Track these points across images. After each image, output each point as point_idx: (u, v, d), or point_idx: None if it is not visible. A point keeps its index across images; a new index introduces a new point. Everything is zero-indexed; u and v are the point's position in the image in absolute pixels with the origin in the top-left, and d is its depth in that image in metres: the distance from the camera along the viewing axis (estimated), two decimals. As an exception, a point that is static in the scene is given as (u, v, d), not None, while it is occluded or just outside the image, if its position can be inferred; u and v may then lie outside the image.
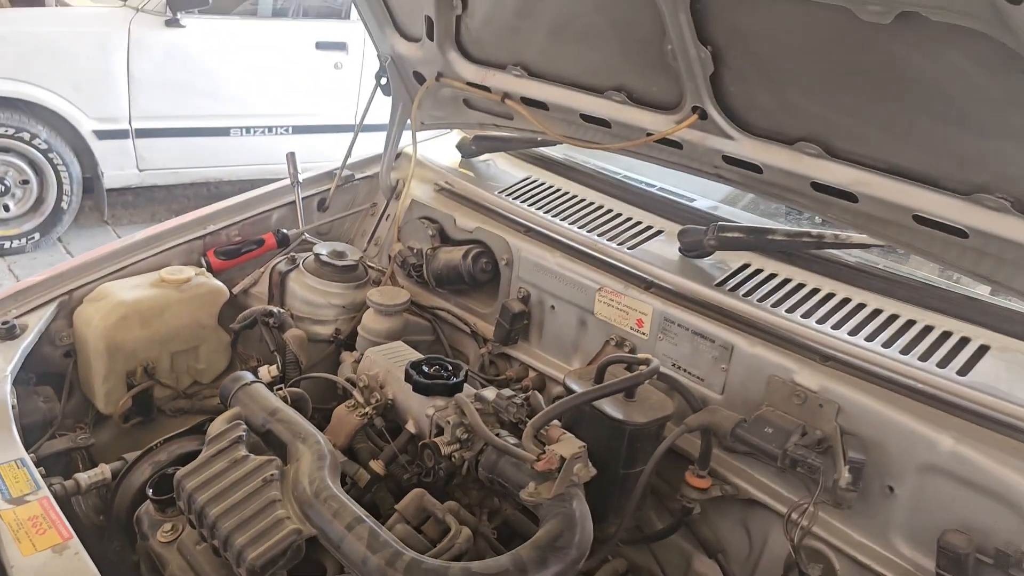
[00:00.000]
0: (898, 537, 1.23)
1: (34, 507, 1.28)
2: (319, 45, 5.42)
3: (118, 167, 4.97)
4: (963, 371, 1.23)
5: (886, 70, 1.10)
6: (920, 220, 1.20)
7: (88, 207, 5.20)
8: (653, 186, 1.84)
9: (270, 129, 5.43)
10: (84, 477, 1.48)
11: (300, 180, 2.04)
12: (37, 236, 4.87)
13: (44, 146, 4.68)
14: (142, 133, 4.99)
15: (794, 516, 1.25)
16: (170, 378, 1.80)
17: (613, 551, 1.43)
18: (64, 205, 4.87)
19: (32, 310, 1.68)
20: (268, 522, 1.18)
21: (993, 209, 1.11)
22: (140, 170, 5.09)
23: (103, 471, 1.50)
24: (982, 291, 1.38)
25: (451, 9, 1.71)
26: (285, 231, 1.97)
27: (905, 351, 1.28)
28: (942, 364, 1.25)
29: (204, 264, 1.88)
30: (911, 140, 1.16)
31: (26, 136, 4.60)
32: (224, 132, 5.26)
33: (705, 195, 1.83)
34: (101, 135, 4.87)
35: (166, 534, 1.35)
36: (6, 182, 4.68)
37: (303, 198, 2.03)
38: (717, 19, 1.25)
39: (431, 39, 1.80)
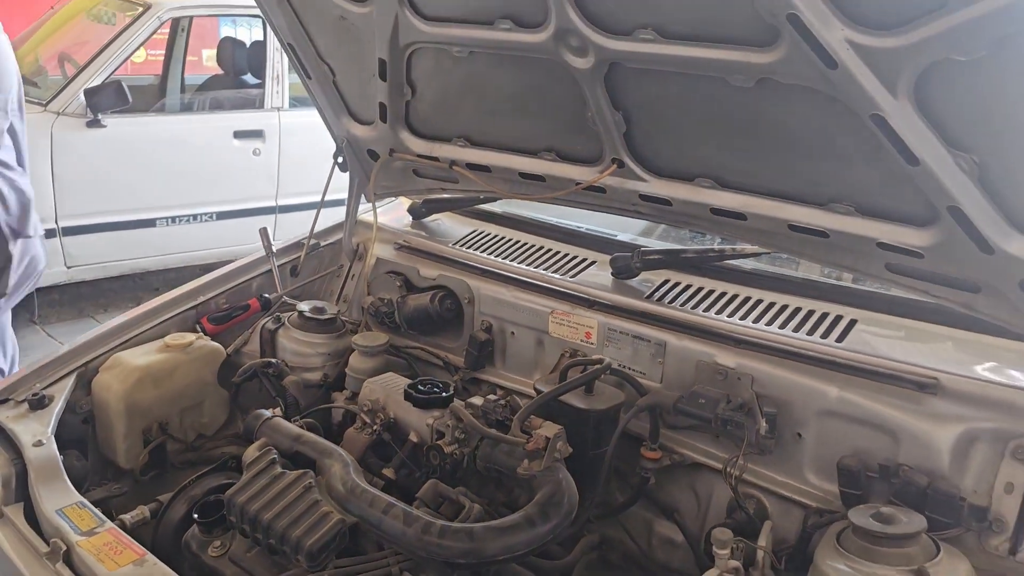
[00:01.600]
0: (810, 472, 1.59)
1: (105, 536, 1.50)
2: (237, 134, 5.68)
3: (46, 266, 5.06)
4: (840, 339, 1.61)
5: (755, 120, 1.50)
6: (793, 228, 1.59)
7: (15, 308, 5.23)
8: (581, 227, 2.21)
9: (195, 217, 5.62)
10: (127, 517, 1.69)
11: (274, 251, 2.31)
12: (-33, 340, 4.86)
13: (-28, 250, 4.72)
14: (69, 231, 5.11)
15: (729, 468, 1.59)
16: (180, 433, 2.02)
17: (587, 527, 1.74)
18: (-8, 307, 4.89)
19: (55, 382, 1.89)
20: (316, 516, 1.45)
21: (843, 214, 1.51)
22: (68, 267, 5.19)
23: (142, 511, 1.72)
24: (847, 280, 1.79)
25: (402, 96, 2.05)
26: (267, 295, 2.24)
27: (796, 329, 1.66)
28: (824, 336, 1.63)
29: (199, 330, 2.13)
30: (779, 169, 1.55)
31: (-46, 239, 4.65)
32: (150, 223, 5.43)
33: (625, 231, 2.21)
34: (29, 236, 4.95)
35: (216, 549, 1.59)
36: (-70, 285, 4.70)
37: (277, 266, 2.31)
38: (626, 90, 1.63)
39: (384, 121, 2.13)
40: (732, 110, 1.51)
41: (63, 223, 5.03)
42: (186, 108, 5.66)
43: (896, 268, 1.53)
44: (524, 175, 1.98)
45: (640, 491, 1.74)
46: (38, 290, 5.11)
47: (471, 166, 2.07)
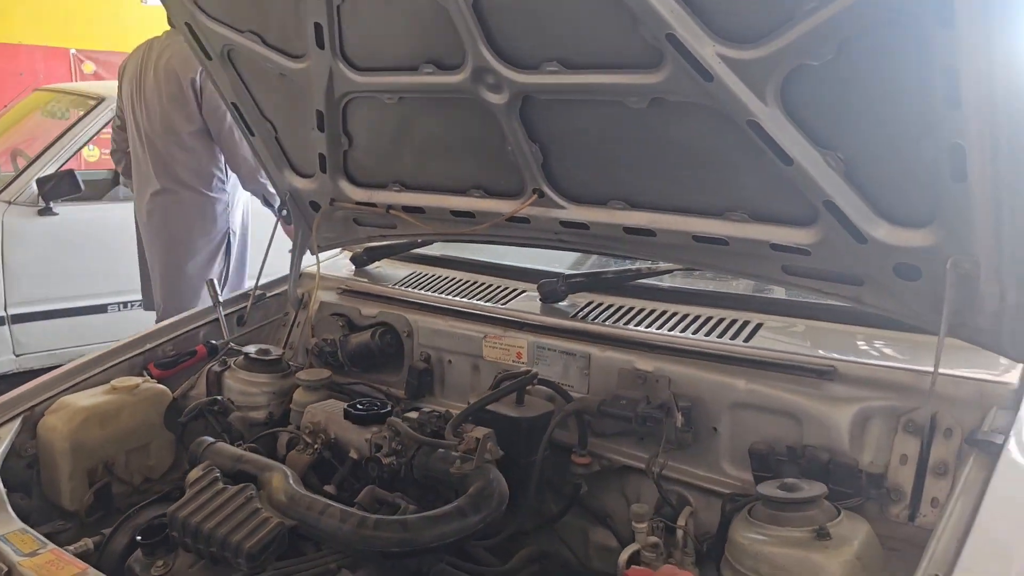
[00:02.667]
0: (727, 463, 1.69)
1: (47, 555, 1.53)
2: (189, 220, 5.75)
3: (-10, 356, 5.03)
4: (747, 339, 1.75)
5: (653, 139, 1.66)
6: (697, 239, 1.74)
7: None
8: (513, 264, 2.34)
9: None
10: (71, 548, 1.71)
11: (220, 300, 2.40)
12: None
13: (-81, 340, 4.69)
14: (18, 319, 5.10)
15: (651, 465, 1.68)
16: (126, 475, 2.05)
17: (525, 539, 1.80)
18: (-61, 397, 4.82)
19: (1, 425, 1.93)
20: (256, 521, 1.50)
21: (738, 221, 1.66)
22: (16, 355, 5.16)
23: (85, 543, 1.74)
24: (750, 289, 1.94)
25: (339, 146, 2.19)
26: (214, 341, 2.32)
27: (708, 334, 1.79)
28: (733, 337, 1.76)
29: (147, 375, 2.18)
30: (679, 184, 1.71)
31: (-99, 331, 4.62)
32: (102, 309, 5.44)
33: (558, 264, 2.34)
34: (-24, 325, 4.94)
35: (159, 568, 1.62)
36: None
37: (224, 315, 2.39)
38: (540, 121, 1.78)
39: (324, 172, 2.26)
40: (633, 132, 1.67)
41: (12, 311, 5.03)
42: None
43: (791, 270, 1.68)
44: (455, 212, 2.11)
45: (573, 499, 1.81)
46: (-15, 379, 5.07)
47: (407, 209, 2.20)
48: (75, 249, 5.25)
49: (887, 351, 1.66)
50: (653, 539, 1.45)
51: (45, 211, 5.09)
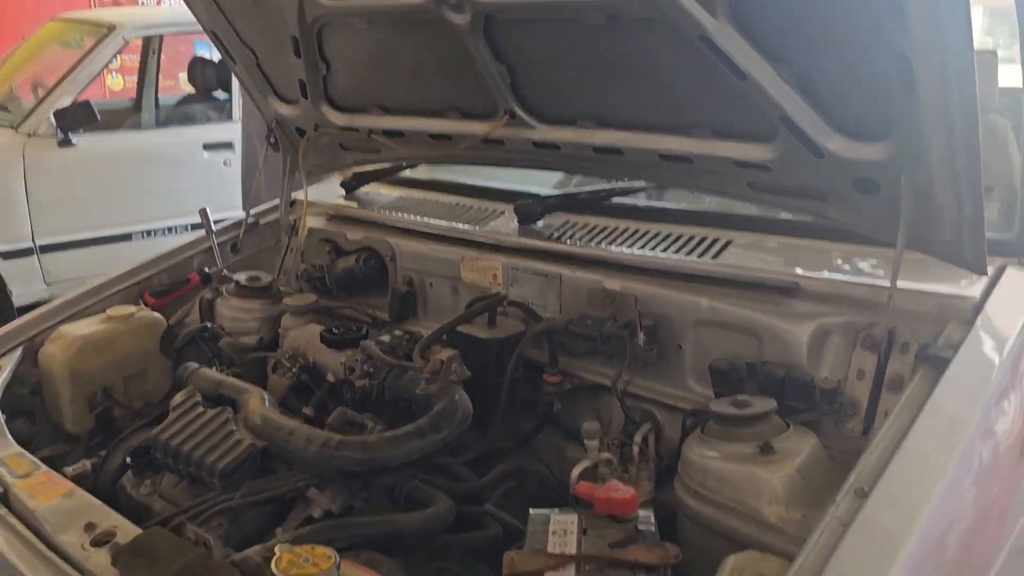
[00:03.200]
0: (691, 380, 1.71)
1: (39, 477, 1.62)
2: (207, 147, 5.82)
3: (25, 284, 5.20)
4: (715, 257, 1.74)
5: (614, 58, 1.63)
6: (663, 157, 1.72)
7: (-1, 327, 5.36)
8: (495, 184, 2.34)
9: (170, 229, 5.74)
10: (69, 470, 1.81)
11: (214, 229, 2.45)
12: (-48, 359, 4.97)
13: (-51, 273, 4.84)
14: (46, 249, 5.24)
15: (616, 382, 1.71)
16: (125, 399, 2.14)
17: (502, 459, 1.85)
18: (-25, 326, 5.00)
19: (2, 356, 2.02)
20: (230, 443, 1.57)
21: (702, 138, 1.64)
22: (47, 284, 5.32)
23: (84, 464, 1.84)
24: (723, 206, 1.92)
25: (318, 71, 2.18)
26: (207, 269, 2.37)
27: (676, 252, 1.79)
28: (700, 255, 1.76)
29: (142, 304, 2.25)
30: (643, 103, 1.69)
31: (-69, 265, 4.77)
32: (126, 238, 5.56)
33: (541, 185, 2.34)
34: (6, 255, 5.10)
35: (147, 487, 1.71)
36: (-87, 310, 4.83)
37: (218, 243, 2.44)
38: (504, 42, 1.76)
39: (305, 98, 2.27)
40: (594, 51, 1.64)
41: (40, 241, 5.17)
42: (152, 123, 5.79)
43: (757, 186, 1.66)
44: (433, 136, 2.11)
45: (546, 417, 1.85)
46: (19, 308, 5.26)
47: (387, 133, 2.20)
48: (96, 179, 5.34)
49: (855, 266, 1.65)
50: (606, 455, 1.49)
51: (64, 142, 5.17)
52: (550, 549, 1.26)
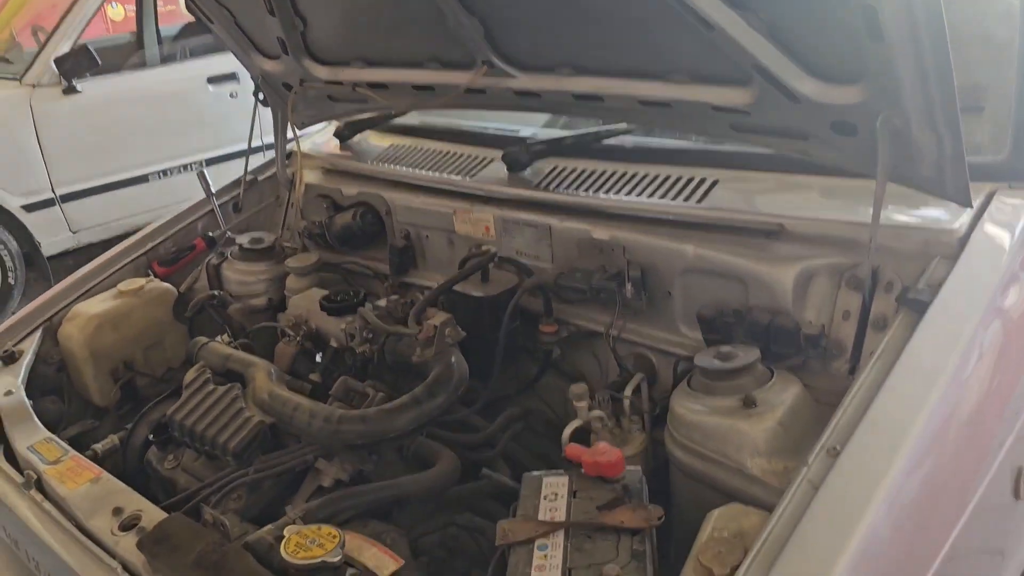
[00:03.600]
0: (682, 325, 1.73)
1: (68, 463, 1.71)
2: (211, 80, 5.77)
3: (52, 234, 5.31)
4: (700, 200, 1.73)
5: (587, 5, 1.58)
6: (643, 103, 1.69)
7: (33, 278, 5.52)
8: (488, 127, 2.32)
9: (186, 167, 5.78)
10: (99, 446, 1.92)
11: (213, 191, 2.47)
12: (-9, 315, 5.14)
13: (-22, 232, 4.95)
14: (67, 198, 5.32)
15: (609, 331, 1.74)
16: (147, 369, 2.23)
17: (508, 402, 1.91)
18: (11, 280, 5.17)
19: (23, 339, 2.11)
20: (240, 421, 1.65)
21: (679, 83, 1.60)
22: (73, 232, 5.42)
23: (112, 439, 1.94)
24: (709, 142, 1.89)
25: (294, 28, 2.15)
26: (211, 233, 2.41)
27: (662, 197, 1.77)
28: (686, 199, 1.74)
29: (151, 274, 2.31)
30: (619, 49, 1.64)
31: (-40, 227, 4.88)
32: (143, 180, 5.61)
33: (529, 124, 2.31)
34: (29, 208, 5.19)
35: (170, 462, 1.81)
36: (-49, 273, 4.97)
37: (219, 204, 2.47)
38: (472, -8, 1.71)
39: (287, 54, 2.24)
40: (564, -1, 1.59)
41: (59, 191, 5.24)
42: (154, 61, 5.73)
43: (739, 127, 1.63)
44: (416, 87, 2.08)
45: (547, 363, 1.90)
46: (50, 258, 5.39)
47: (371, 85, 2.18)
48: (105, 124, 5.36)
49: (840, 203, 1.62)
50: (596, 413, 1.53)
51: (69, 90, 5.17)
52: (541, 515, 1.32)
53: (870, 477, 1.11)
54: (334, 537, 1.32)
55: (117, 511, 1.53)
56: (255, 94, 2.45)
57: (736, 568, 1.13)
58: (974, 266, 1.41)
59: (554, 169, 1.99)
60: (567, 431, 1.54)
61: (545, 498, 1.36)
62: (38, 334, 2.12)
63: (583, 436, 1.56)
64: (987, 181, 1.55)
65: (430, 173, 2.17)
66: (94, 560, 1.47)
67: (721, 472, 1.38)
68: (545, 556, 1.23)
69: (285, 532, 1.34)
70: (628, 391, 1.59)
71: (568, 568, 1.20)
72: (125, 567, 1.43)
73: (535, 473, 1.43)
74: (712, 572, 1.16)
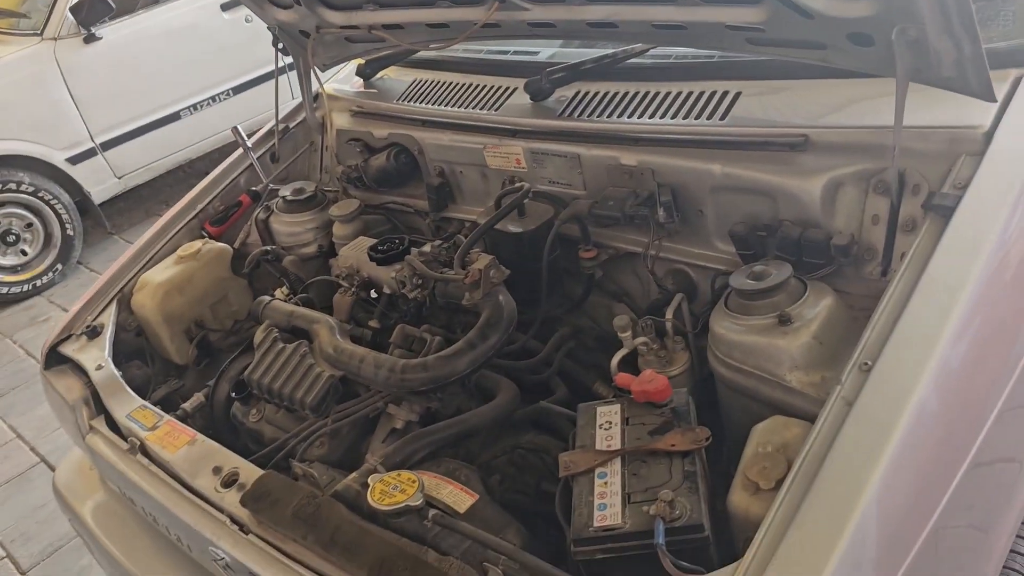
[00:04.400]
0: (717, 240, 1.79)
1: (165, 427, 1.88)
2: (224, 7, 5.73)
3: (99, 182, 5.47)
4: (723, 116, 1.75)
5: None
6: (656, 27, 1.69)
7: (90, 226, 5.74)
8: (507, 53, 2.32)
9: (214, 99, 5.83)
10: (187, 405, 2.09)
11: (249, 144, 2.55)
12: (60, 267, 5.41)
13: (31, 188, 5.15)
14: (107, 145, 5.44)
15: (647, 252, 1.81)
16: (217, 324, 2.38)
17: (559, 322, 2.01)
18: (70, 232, 5.38)
19: (101, 312, 2.26)
20: (312, 377, 1.78)
21: (691, 5, 1.60)
22: (119, 178, 5.57)
23: (198, 397, 2.11)
24: (731, 55, 1.88)
25: (302, -25, 2.16)
26: (254, 188, 2.50)
27: (685, 116, 1.80)
28: (709, 117, 1.76)
29: (205, 235, 2.43)
30: (628, -24, 1.64)
31: (13, 186, 5.07)
32: (175, 117, 5.69)
33: (548, 45, 2.31)
34: (73, 160, 5.34)
35: (255, 415, 1.97)
36: (14, 232, 5.20)
37: (257, 157, 2.54)
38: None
39: (299, 4, 2.25)
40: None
41: (98, 139, 5.36)
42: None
43: (755, 40, 1.63)
44: (431, 25, 2.09)
45: (590, 284, 1.98)
46: (102, 205, 5.57)
47: (386, 27, 2.19)
48: (129, 67, 5.41)
49: (864, 108, 1.63)
50: (641, 339, 1.62)
51: (90, 38, 5.20)
52: (598, 444, 1.44)
53: (900, 392, 1.19)
54: (413, 482, 1.46)
55: (216, 470, 1.69)
56: (274, 44, 2.47)
57: (780, 481, 1.24)
58: (1000, 162, 1.43)
59: (577, 94, 2.01)
60: (614, 361, 1.64)
61: (601, 427, 1.47)
62: (113, 306, 2.26)
63: (631, 362, 1.66)
64: (1013, 67, 1.54)
65: (457, 109, 2.20)
66: (205, 515, 1.65)
67: (763, 386, 1.47)
68: (605, 483, 1.36)
69: (369, 480, 1.48)
70: (669, 313, 1.67)
71: (627, 493, 1.32)
72: (232, 520, 1.60)
73: (590, 403, 1.54)
74: (759, 486, 1.27)
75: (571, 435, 1.54)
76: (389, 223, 2.38)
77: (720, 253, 1.79)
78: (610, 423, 1.48)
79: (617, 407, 1.51)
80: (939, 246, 1.33)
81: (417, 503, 1.42)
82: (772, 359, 1.45)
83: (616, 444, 1.42)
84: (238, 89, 5.86)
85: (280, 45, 2.47)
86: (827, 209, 1.60)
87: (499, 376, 1.82)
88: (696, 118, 1.79)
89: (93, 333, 2.18)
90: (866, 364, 1.24)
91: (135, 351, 2.31)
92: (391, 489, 1.45)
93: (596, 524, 1.29)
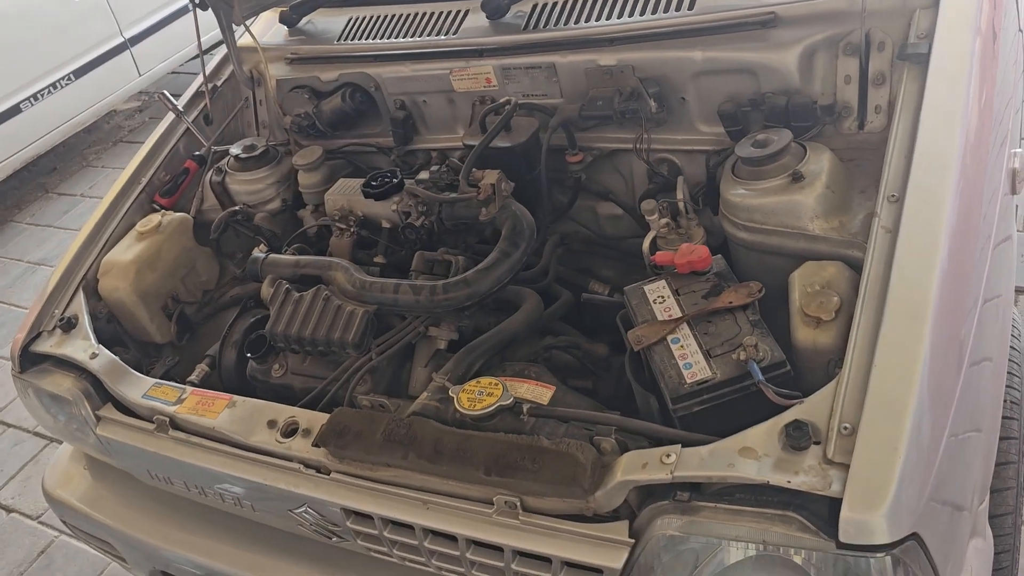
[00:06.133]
0: (701, 124, 1.92)
1: (193, 397, 1.82)
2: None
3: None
4: (690, 6, 1.87)
5: None
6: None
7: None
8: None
9: (53, 86, 5.42)
10: (194, 378, 2.04)
11: (181, 108, 2.44)
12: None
13: None
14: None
15: (638, 145, 1.92)
16: (190, 296, 2.31)
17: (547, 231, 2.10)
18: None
19: (68, 303, 2.14)
20: (345, 316, 1.79)
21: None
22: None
23: (202, 368, 2.06)
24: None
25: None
26: (198, 152, 2.41)
27: (654, 11, 1.90)
28: (677, 8, 1.88)
29: (158, 207, 2.33)
30: None
31: None
32: (16, 111, 5.25)
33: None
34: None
35: (278, 371, 1.95)
36: None
37: (192, 121, 2.44)
38: None
39: (220, -50, 2.17)
40: None
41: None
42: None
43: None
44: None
45: (577, 189, 2.08)
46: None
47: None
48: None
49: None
50: (664, 221, 1.74)
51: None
52: (659, 316, 1.56)
53: (933, 215, 1.36)
54: (496, 385, 1.53)
55: (271, 423, 1.68)
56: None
57: (839, 311, 1.41)
58: (953, 6, 1.63)
59: (535, 7, 2.07)
60: (646, 243, 1.75)
61: (655, 302, 1.59)
62: (80, 295, 2.15)
63: (656, 246, 1.77)
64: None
65: (413, 39, 2.21)
66: (274, 469, 1.64)
67: (788, 240, 1.62)
68: (681, 346, 1.48)
69: (451, 392, 1.54)
70: (679, 194, 1.80)
71: (707, 350, 1.45)
72: (306, 465, 1.62)
73: (633, 285, 1.65)
74: (820, 319, 1.43)
75: (619, 315, 1.65)
76: (352, 167, 2.37)
77: (705, 135, 1.93)
78: (662, 297, 1.60)
79: (662, 282, 1.63)
80: (928, 84, 1.52)
81: (508, 402, 1.49)
82: (793, 213, 1.60)
83: (677, 312, 1.55)
84: (80, 72, 5.45)
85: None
86: (805, 76, 1.77)
87: (516, 287, 1.89)
88: (664, 11, 1.90)
89: (69, 325, 2.06)
90: (893, 196, 1.42)
91: (110, 338, 2.20)
92: (477, 395, 1.52)
93: (689, 381, 1.41)
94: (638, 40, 1.89)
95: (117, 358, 1.96)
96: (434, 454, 1.46)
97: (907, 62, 1.60)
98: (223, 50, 2.56)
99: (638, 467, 1.29)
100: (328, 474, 1.59)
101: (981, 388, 1.47)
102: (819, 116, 1.75)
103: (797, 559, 1.20)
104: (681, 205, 1.78)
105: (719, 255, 1.64)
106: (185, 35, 6.09)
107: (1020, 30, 2.07)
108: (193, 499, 1.90)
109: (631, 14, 1.93)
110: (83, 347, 2.00)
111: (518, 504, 1.37)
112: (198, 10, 2.38)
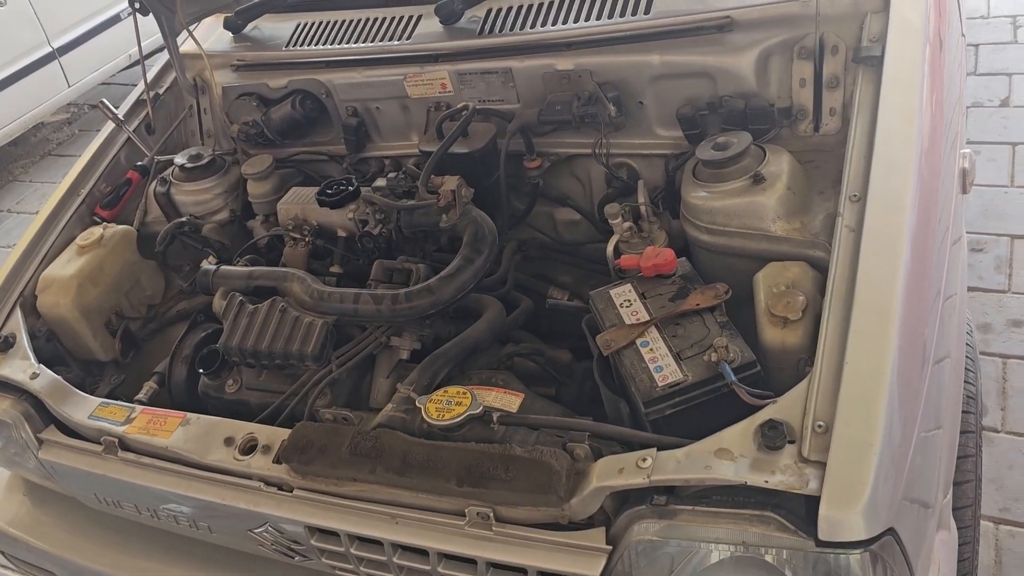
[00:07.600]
0: (659, 128, 1.93)
1: (143, 416, 1.74)
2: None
3: None
4: (646, 11, 1.88)
5: None
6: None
7: None
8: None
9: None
10: (142, 396, 1.96)
11: (121, 118, 2.35)
12: None
13: None
14: None
15: (597, 150, 1.92)
16: (134, 312, 2.22)
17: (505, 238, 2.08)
18: None
19: (4, 322, 2.03)
20: (304, 328, 1.74)
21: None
22: None
23: (150, 386, 1.98)
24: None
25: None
26: (140, 163, 2.33)
27: (611, 16, 1.90)
28: (634, 12, 1.89)
29: (99, 220, 2.24)
30: None
31: None
32: None
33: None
34: None
35: (232, 386, 1.88)
36: None
37: (133, 130, 2.36)
38: None
39: (162, -46, 2.10)
40: None
41: None
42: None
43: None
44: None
45: (535, 195, 2.07)
46: None
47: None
48: None
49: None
50: (627, 225, 1.74)
51: None
52: (627, 320, 1.54)
53: (895, 214, 1.39)
54: (464, 394, 1.49)
55: (229, 441, 1.61)
56: (130, 3, 2.28)
57: (805, 310, 1.42)
58: (902, 12, 1.67)
59: (489, 12, 2.05)
60: (610, 247, 1.74)
61: (621, 306, 1.58)
62: (17, 312, 2.04)
63: (621, 250, 1.76)
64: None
65: (365, 45, 2.17)
66: (232, 488, 1.58)
67: (749, 242, 1.63)
68: (651, 350, 1.47)
69: (417, 403, 1.50)
70: (641, 198, 1.80)
71: (677, 353, 1.44)
72: (267, 483, 1.56)
73: (599, 289, 1.64)
74: (787, 319, 1.44)
75: (584, 320, 1.64)
76: (302, 175, 2.31)
77: (663, 139, 1.93)
78: (629, 301, 1.59)
79: (628, 286, 1.62)
80: (883, 87, 1.55)
81: (478, 411, 1.46)
82: (755, 215, 1.61)
83: (644, 316, 1.54)
84: (5, 83, 5.23)
85: (137, 4, 2.28)
86: (761, 80, 1.79)
87: (478, 295, 1.87)
88: (622, 15, 1.90)
89: (6, 345, 1.96)
90: (855, 196, 1.43)
91: (51, 357, 2.10)
92: (445, 405, 1.48)
93: (661, 384, 1.40)
94: (596, 44, 1.89)
95: (60, 378, 1.87)
96: (403, 466, 1.41)
97: (861, 65, 1.63)
98: (164, 57, 2.48)
99: (614, 472, 1.27)
100: (291, 491, 1.53)
101: (943, 384, 1.50)
102: (776, 119, 1.77)
103: (770, 559, 1.20)
104: (643, 209, 1.78)
105: (684, 259, 1.64)
106: (117, 45, 5.91)
107: (963, 35, 2.14)
108: (144, 523, 1.82)
109: (588, 18, 1.93)
110: (22, 367, 1.91)
111: (491, 515, 1.34)
112: (139, 15, 2.31)
